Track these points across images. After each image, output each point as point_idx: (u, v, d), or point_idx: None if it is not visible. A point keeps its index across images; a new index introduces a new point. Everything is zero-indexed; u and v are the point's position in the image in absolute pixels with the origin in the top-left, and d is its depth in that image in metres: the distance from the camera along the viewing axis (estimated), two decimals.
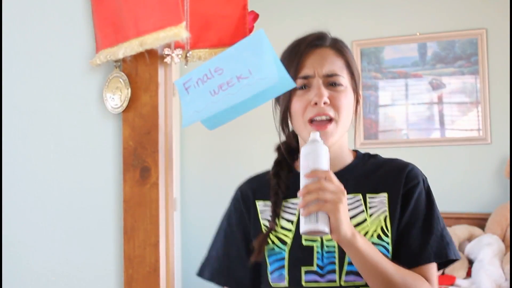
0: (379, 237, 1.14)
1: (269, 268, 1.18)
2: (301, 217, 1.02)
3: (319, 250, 1.16)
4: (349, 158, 1.25)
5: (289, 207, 1.21)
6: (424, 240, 1.15)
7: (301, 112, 1.17)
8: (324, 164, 1.05)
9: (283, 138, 1.29)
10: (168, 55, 1.09)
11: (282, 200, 1.21)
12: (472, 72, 3.78)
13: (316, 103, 1.15)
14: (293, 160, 1.27)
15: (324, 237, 1.15)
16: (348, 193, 1.16)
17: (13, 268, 1.14)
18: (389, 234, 1.15)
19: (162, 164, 1.08)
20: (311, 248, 1.16)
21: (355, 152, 1.28)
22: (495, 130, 3.71)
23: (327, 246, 1.16)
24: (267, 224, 1.21)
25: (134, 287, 1.06)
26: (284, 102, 1.20)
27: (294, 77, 1.17)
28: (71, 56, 1.13)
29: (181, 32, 0.99)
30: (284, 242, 1.18)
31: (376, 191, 1.18)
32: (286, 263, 1.16)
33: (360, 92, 1.25)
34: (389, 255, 1.14)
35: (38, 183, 1.14)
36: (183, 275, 4.12)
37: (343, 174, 1.19)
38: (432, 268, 1.15)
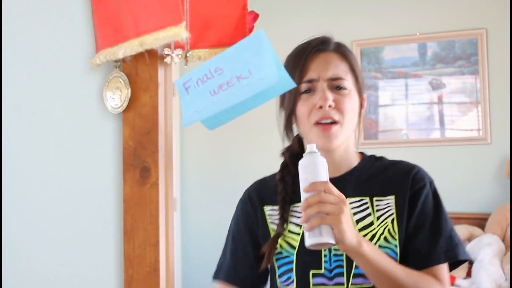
0: (386, 239, 1.14)
1: (278, 272, 1.19)
2: (304, 231, 1.02)
3: (327, 253, 1.16)
4: (355, 161, 1.25)
5: (296, 211, 1.21)
6: (433, 242, 1.15)
7: (306, 116, 1.18)
8: (323, 175, 1.04)
9: (288, 143, 1.29)
10: (168, 55, 1.09)
11: (289, 205, 1.21)
12: (472, 72, 3.78)
13: (321, 107, 1.16)
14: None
15: None
16: (354, 195, 1.16)
17: (13, 268, 1.14)
18: (397, 237, 1.15)
19: (162, 164, 1.08)
20: (319, 252, 1.16)
21: (361, 154, 1.28)
22: (495, 130, 3.71)
23: (334, 249, 1.16)
24: (275, 228, 1.21)
25: (134, 287, 1.06)
26: (289, 106, 1.21)
27: (299, 81, 1.17)
28: (71, 56, 1.13)
29: (181, 32, 0.99)
30: (292, 246, 1.19)
31: (383, 193, 1.19)
32: (294, 266, 1.17)
33: (364, 95, 1.25)
34: (397, 258, 1.14)
35: (38, 183, 1.14)
36: (183, 275, 4.12)
37: (349, 177, 1.19)
38: (443, 268, 1.15)
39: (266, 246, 1.19)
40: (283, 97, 1.24)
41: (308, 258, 1.16)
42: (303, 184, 1.04)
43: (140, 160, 1.07)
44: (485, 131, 3.72)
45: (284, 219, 1.20)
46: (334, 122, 1.16)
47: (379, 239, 1.14)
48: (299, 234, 1.19)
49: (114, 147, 1.10)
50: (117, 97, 1.07)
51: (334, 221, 0.99)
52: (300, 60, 1.20)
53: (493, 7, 3.73)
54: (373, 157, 1.28)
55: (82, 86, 1.12)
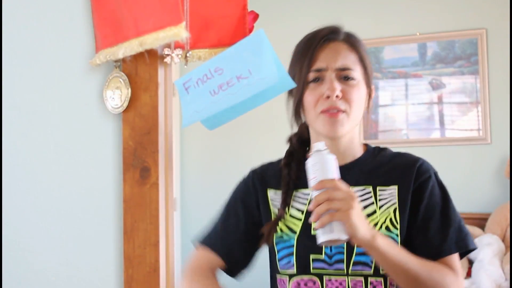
0: (387, 228, 1.16)
1: (278, 255, 1.20)
2: (316, 229, 1.03)
3: None
4: (359, 151, 1.27)
5: (299, 197, 1.22)
6: (444, 233, 1.16)
7: (313, 105, 1.18)
8: (331, 172, 1.04)
9: (296, 129, 1.30)
10: (168, 55, 1.09)
11: (292, 190, 1.22)
12: (472, 72, 3.78)
13: (328, 97, 1.16)
14: (304, 151, 1.29)
15: None
16: (358, 185, 1.17)
17: (13, 268, 1.14)
18: (398, 226, 1.16)
19: (162, 164, 1.08)
20: None
21: (365, 145, 1.30)
22: (495, 130, 3.71)
23: None
24: (277, 212, 1.22)
25: (134, 287, 1.06)
26: (297, 95, 1.21)
27: (307, 70, 1.18)
28: (71, 56, 1.13)
29: (181, 32, 0.99)
30: (293, 231, 1.20)
31: (386, 183, 1.20)
32: (294, 250, 1.18)
33: (373, 86, 1.26)
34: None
35: (38, 183, 1.14)
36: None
37: (353, 167, 1.20)
38: (455, 258, 1.17)
39: (266, 227, 1.20)
40: None
41: (309, 242, 1.16)
42: (312, 182, 1.05)
43: (140, 160, 1.07)
44: (485, 131, 3.72)
45: (286, 203, 1.21)
46: (341, 111, 1.17)
47: (380, 227, 1.15)
48: (300, 219, 1.20)
49: (114, 147, 1.10)
50: (117, 97, 1.08)
51: (344, 217, 1.00)
52: (309, 49, 1.20)
53: (493, 7, 3.73)
54: (377, 148, 1.30)
55: (82, 86, 1.12)
